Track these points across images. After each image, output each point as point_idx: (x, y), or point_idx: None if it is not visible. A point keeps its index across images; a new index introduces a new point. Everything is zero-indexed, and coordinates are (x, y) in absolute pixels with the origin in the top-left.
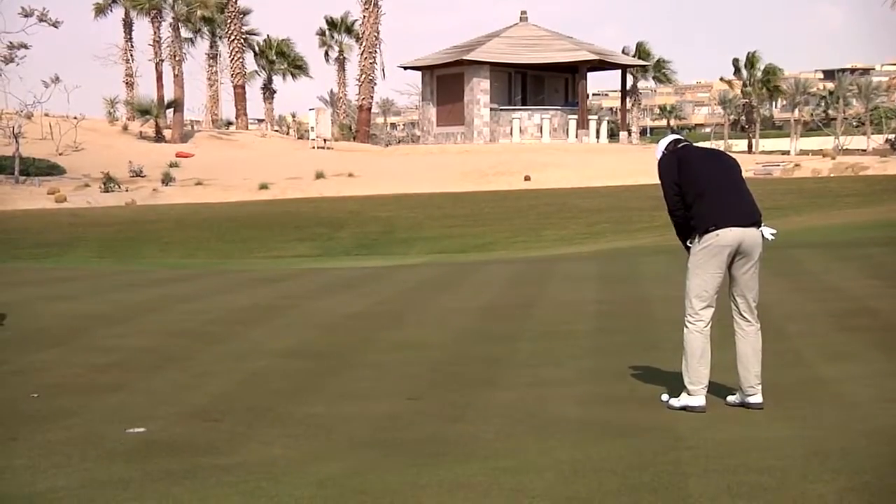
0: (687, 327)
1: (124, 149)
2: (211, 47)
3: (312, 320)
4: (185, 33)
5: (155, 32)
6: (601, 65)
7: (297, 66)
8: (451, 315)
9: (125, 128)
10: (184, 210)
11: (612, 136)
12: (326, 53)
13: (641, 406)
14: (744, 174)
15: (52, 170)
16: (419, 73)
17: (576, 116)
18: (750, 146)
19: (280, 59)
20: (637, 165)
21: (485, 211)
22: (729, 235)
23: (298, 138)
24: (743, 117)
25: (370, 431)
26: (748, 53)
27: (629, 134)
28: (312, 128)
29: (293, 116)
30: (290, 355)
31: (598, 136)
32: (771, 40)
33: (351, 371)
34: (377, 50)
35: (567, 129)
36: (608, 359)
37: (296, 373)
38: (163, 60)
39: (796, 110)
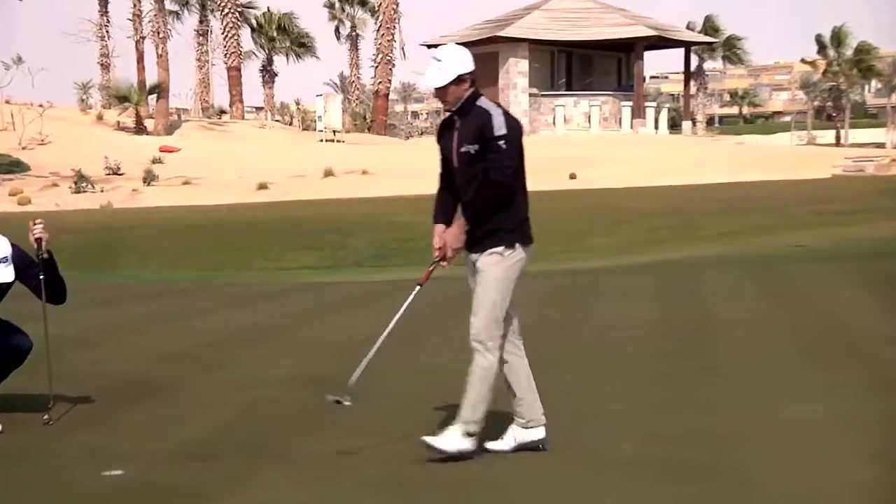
0: (487, 357)
1: (99, 142)
2: (201, 22)
3: (319, 343)
4: (170, 6)
5: (135, 5)
6: (661, 42)
7: (301, 45)
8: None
9: (100, 117)
10: (168, 214)
11: (674, 126)
12: (337, 29)
13: (704, 444)
14: (830, 171)
15: (13, 167)
16: None
17: (630, 103)
18: (838, 138)
19: (282, 36)
20: (703, 161)
21: None
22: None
23: (303, 129)
24: (829, 104)
25: (384, 472)
26: (834, 29)
27: (693, 123)
28: (320, 117)
29: (297, 104)
30: (294, 384)
31: (656, 127)
32: (862, 13)
33: (363, 402)
34: (396, 25)
35: (620, 119)
36: (666, 389)
37: (300, 404)
38: (144, 38)
39: (894, 95)
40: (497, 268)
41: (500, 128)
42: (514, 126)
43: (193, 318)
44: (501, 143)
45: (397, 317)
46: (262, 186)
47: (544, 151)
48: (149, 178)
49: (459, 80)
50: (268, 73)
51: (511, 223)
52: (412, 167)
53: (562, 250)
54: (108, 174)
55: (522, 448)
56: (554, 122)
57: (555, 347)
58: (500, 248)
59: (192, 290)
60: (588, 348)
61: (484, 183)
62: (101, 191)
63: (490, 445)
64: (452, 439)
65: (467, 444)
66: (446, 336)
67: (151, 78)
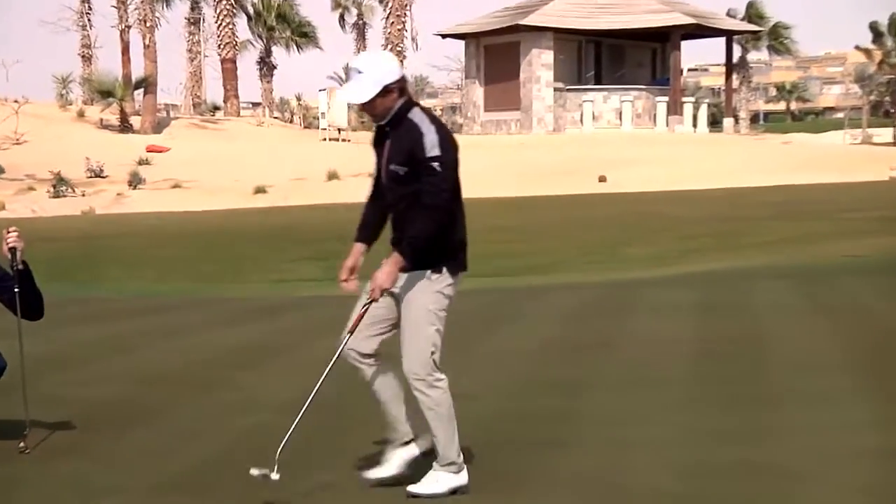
0: (431, 392)
1: (80, 141)
2: (192, 10)
3: (322, 364)
4: None
5: None
6: (700, 31)
7: (303, 35)
8: (504, 357)
9: (81, 114)
10: (157, 220)
11: (714, 123)
12: (342, 17)
13: (755, 478)
14: (888, 173)
15: None
16: (462, 43)
17: (666, 98)
18: None
19: (281, 24)
20: (747, 162)
21: (547, 221)
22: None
23: (305, 127)
24: (887, 98)
25: None
26: (892, 15)
27: (736, 121)
28: (323, 114)
29: (298, 99)
30: (295, 409)
31: (695, 124)
32: None
33: (374, 430)
34: (407, 13)
35: (654, 115)
36: (708, 415)
37: (303, 431)
38: (130, 27)
39: None
40: (424, 296)
41: (432, 148)
42: (448, 145)
43: (184, 336)
44: (436, 164)
45: (323, 377)
46: (260, 190)
47: (571, 152)
48: (135, 181)
49: (386, 91)
50: (266, 66)
51: (442, 244)
52: None
53: (592, 261)
54: (90, 177)
55: (405, 469)
56: (581, 120)
57: (586, 367)
58: (427, 272)
59: (183, 305)
60: (622, 369)
61: (420, 210)
62: (83, 195)
63: (370, 474)
64: (441, 480)
65: (462, 479)
66: (469, 357)
67: (138, 71)
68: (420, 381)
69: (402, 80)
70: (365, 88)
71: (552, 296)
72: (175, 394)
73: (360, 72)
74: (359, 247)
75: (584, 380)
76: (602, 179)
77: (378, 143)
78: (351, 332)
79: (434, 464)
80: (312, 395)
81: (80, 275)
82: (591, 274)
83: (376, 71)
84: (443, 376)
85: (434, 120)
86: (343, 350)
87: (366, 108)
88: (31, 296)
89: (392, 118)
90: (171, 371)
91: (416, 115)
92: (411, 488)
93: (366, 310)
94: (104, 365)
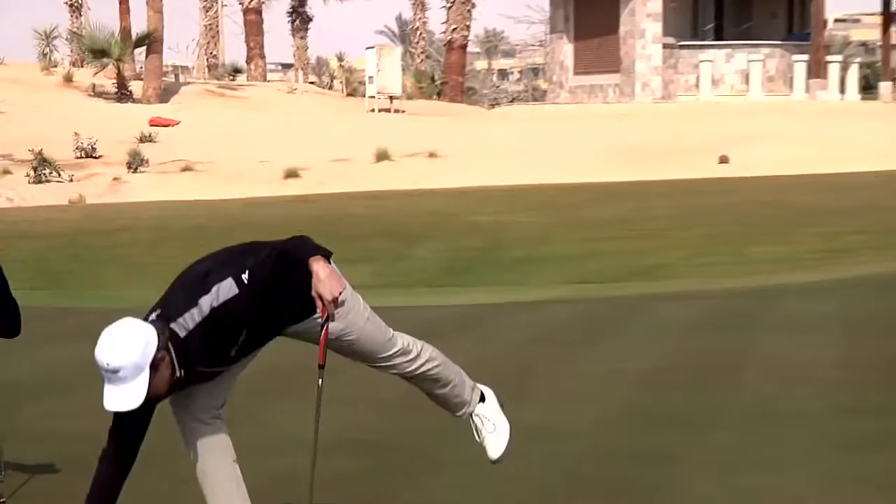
0: (422, 355)
1: (67, 112)
2: None
3: (370, 392)
4: None
5: None
6: None
7: None
8: (596, 384)
9: (68, 78)
10: (163, 211)
11: (868, 88)
12: None
13: None
14: None
15: None
16: None
17: (806, 57)
18: None
19: None
20: None
21: (653, 213)
22: None
23: (348, 95)
24: None
25: None
26: None
27: None
28: (371, 78)
29: (340, 60)
30: (335, 448)
31: (842, 90)
32: None
33: (434, 475)
34: None
35: (791, 79)
36: (859, 460)
37: (343, 477)
38: None
39: None
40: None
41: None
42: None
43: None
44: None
45: (316, 419)
46: (292, 174)
47: (684, 125)
48: (135, 163)
49: (154, 365)
50: (300, 18)
51: None
52: (498, 147)
53: (711, 263)
54: (80, 157)
55: None
56: (697, 85)
57: (702, 397)
58: None
59: None
60: (747, 400)
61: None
62: (71, 180)
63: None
64: (495, 424)
65: (489, 391)
66: (558, 384)
67: (139, 25)
68: (412, 361)
69: (161, 338)
70: (135, 389)
71: (660, 307)
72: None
73: (115, 372)
74: None
75: (699, 413)
76: (723, 160)
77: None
78: (321, 366)
79: (472, 417)
80: (316, 431)
81: (67, 280)
82: (708, 279)
83: (136, 355)
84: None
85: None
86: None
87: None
88: (6, 307)
89: (181, 359)
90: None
91: (184, 327)
92: (492, 456)
93: (327, 329)
94: (95, 393)
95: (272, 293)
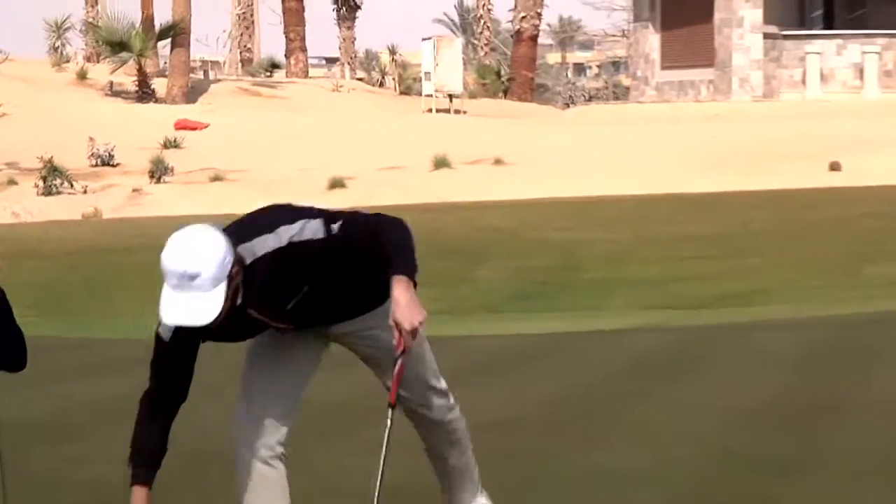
0: (455, 413)
1: (80, 114)
2: None
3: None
4: None
5: None
6: None
7: None
8: (685, 424)
9: (82, 75)
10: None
11: None
12: None
13: None
14: None
15: None
16: None
17: None
18: None
19: None
20: None
21: (751, 229)
22: None
23: (402, 93)
24: None
25: None
26: None
27: None
28: (428, 73)
29: (392, 53)
30: (402, 496)
31: None
32: None
33: None
34: None
35: None
36: None
37: None
38: None
39: None
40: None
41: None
42: None
43: (230, 394)
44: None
45: (382, 462)
46: (337, 184)
47: (788, 126)
48: (159, 172)
49: (230, 278)
50: (346, 6)
51: None
52: (573, 153)
53: (819, 286)
54: (96, 165)
55: None
56: (804, 80)
57: (806, 439)
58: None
59: (228, 349)
60: (859, 444)
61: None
62: (85, 191)
63: None
64: None
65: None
66: (640, 421)
67: (163, 14)
68: (446, 401)
69: (234, 252)
70: (212, 300)
71: (759, 336)
72: (220, 475)
73: (193, 279)
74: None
75: (802, 456)
76: (834, 167)
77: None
78: (392, 407)
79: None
80: (381, 479)
81: (80, 307)
82: (816, 305)
83: (215, 263)
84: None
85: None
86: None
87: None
88: (8, 338)
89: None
90: (213, 444)
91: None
92: None
93: (401, 367)
94: (116, 435)
95: (349, 260)
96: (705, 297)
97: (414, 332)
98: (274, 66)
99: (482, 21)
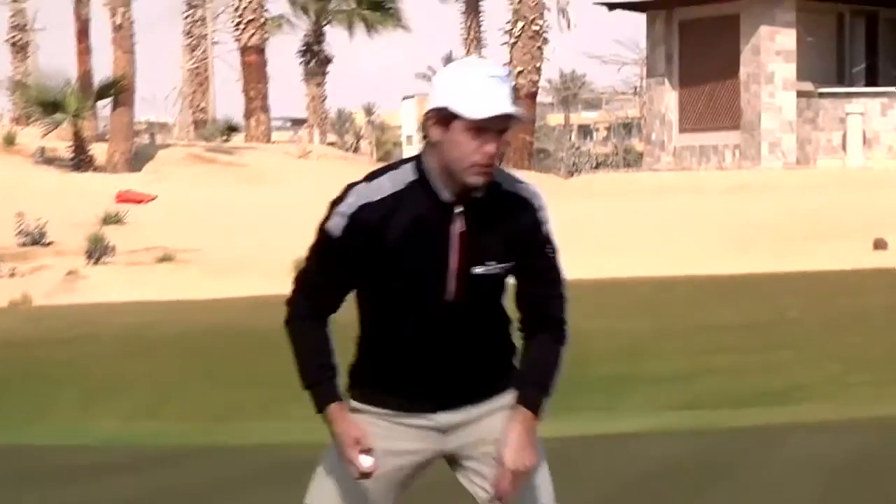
0: None
1: (7, 185)
2: None
3: None
4: None
5: None
6: None
7: (378, 7)
8: None
9: (10, 140)
10: (134, 316)
11: None
12: None
13: None
14: None
15: None
16: (641, 18)
17: None
18: None
19: None
20: None
21: (786, 316)
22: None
23: (379, 160)
24: None
25: None
26: None
27: None
28: (410, 137)
29: (368, 114)
30: None
31: None
32: None
33: None
34: None
35: None
36: None
37: None
38: None
39: None
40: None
41: (547, 222)
42: None
43: None
44: (554, 254)
45: None
46: None
47: (826, 198)
48: (97, 252)
49: None
50: (315, 59)
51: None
52: (579, 228)
53: (866, 381)
54: (25, 244)
55: None
56: (844, 144)
57: None
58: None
59: (184, 459)
60: None
61: (543, 335)
62: (12, 274)
63: None
64: None
65: None
66: None
67: (103, 70)
68: None
69: None
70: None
71: (797, 441)
72: None
73: (503, 80)
74: (345, 415)
75: None
76: (880, 245)
77: (402, 237)
78: None
79: None
80: None
81: (7, 409)
82: (863, 405)
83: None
84: None
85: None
86: None
87: (510, 124)
88: None
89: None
90: None
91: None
92: None
93: None
94: None
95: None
96: (735, 395)
97: (518, 478)
98: (231, 128)
99: None
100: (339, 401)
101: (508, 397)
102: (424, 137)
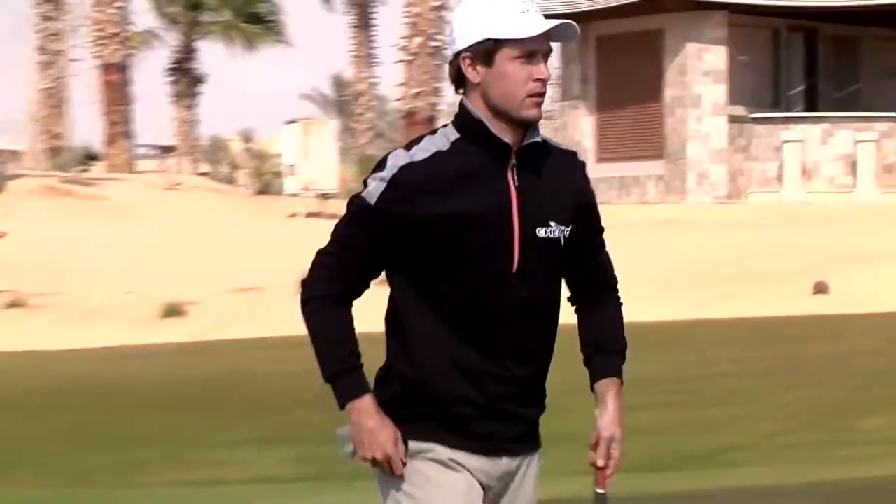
0: None
1: None
2: None
3: None
4: None
5: None
6: None
7: (257, 20)
8: None
9: None
10: None
11: None
12: None
13: None
14: None
15: None
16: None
17: None
18: None
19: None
20: None
21: (715, 369)
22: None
23: (258, 192)
24: None
25: None
26: None
27: None
28: (293, 167)
29: (246, 141)
30: None
31: None
32: None
33: None
34: None
35: None
36: None
37: None
38: None
39: None
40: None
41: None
42: None
43: None
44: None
45: None
46: (173, 311)
47: (760, 236)
48: None
49: None
50: (186, 78)
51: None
52: None
53: (804, 441)
54: None
55: None
56: (779, 176)
57: None
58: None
59: None
60: None
61: (609, 302)
62: None
63: None
64: None
65: None
66: None
67: None
68: None
69: None
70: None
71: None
72: None
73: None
74: (372, 410)
75: None
76: (820, 289)
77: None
78: None
79: None
80: None
81: None
82: (800, 467)
83: None
84: None
85: None
86: None
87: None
88: None
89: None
90: None
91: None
92: None
93: None
94: None
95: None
96: (657, 458)
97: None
98: (90, 157)
99: (364, 98)
100: (370, 392)
101: (539, 462)
102: (457, 88)
